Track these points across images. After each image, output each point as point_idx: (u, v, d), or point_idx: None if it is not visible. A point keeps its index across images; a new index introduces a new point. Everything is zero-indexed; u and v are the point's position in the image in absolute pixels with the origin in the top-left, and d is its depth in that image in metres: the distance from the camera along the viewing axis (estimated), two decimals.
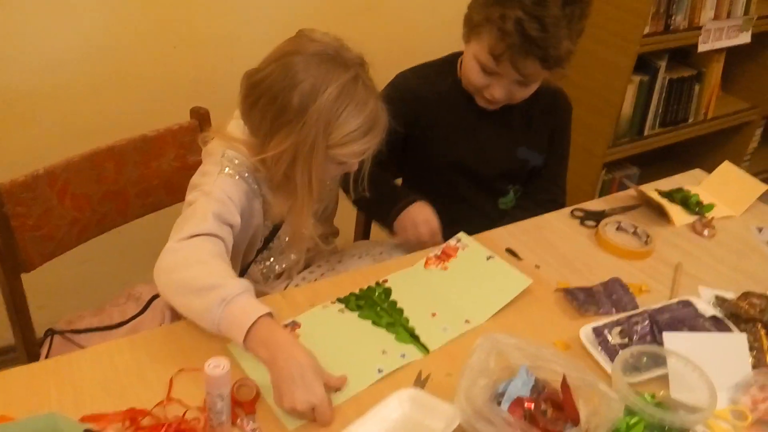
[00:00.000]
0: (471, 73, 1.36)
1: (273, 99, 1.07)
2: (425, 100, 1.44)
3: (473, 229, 1.30)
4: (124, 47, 1.69)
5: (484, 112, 1.43)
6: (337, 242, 1.53)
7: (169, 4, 1.70)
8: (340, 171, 1.19)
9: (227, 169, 1.12)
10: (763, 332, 1.09)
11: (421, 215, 1.36)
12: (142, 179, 1.36)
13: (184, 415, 0.89)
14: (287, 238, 1.29)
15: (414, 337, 1.07)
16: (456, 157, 1.46)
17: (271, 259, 1.31)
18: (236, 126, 1.18)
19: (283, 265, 1.33)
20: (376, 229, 1.61)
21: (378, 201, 1.42)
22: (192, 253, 1.01)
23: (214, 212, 1.05)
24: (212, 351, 0.99)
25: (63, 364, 0.97)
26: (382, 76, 1.48)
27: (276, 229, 1.27)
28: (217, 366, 0.83)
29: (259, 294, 1.29)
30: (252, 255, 1.27)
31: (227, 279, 0.97)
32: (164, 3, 1.70)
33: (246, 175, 1.14)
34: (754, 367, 1.03)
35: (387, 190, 1.45)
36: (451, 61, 1.47)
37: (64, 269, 1.70)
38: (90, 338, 1.28)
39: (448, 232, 1.31)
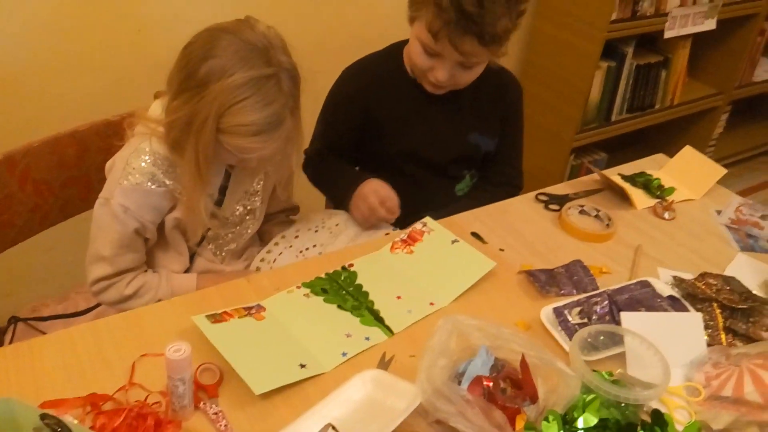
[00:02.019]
0: (415, 55, 1.35)
1: (187, 63, 1.08)
2: (373, 90, 1.43)
3: (433, 216, 1.30)
4: (86, 30, 1.66)
5: (432, 98, 1.43)
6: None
7: None
8: (234, 160, 1.17)
9: (129, 176, 1.14)
10: (718, 311, 1.12)
11: (368, 186, 1.36)
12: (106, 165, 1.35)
13: (146, 399, 0.89)
14: (229, 216, 1.28)
15: (379, 320, 1.08)
16: (409, 144, 1.47)
17: (221, 240, 1.31)
18: (159, 105, 1.17)
19: (234, 246, 1.32)
20: None
21: (335, 186, 1.44)
22: (115, 297, 1.19)
23: (112, 241, 1.16)
24: (174, 336, 0.99)
25: (23, 351, 0.96)
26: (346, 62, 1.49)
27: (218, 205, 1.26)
28: (177, 350, 0.83)
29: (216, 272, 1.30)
30: (198, 235, 1.26)
31: (160, 289, 1.21)
32: None
33: (158, 175, 1.14)
34: (709, 345, 1.06)
35: (341, 175, 1.46)
36: (395, 50, 1.47)
37: (29, 257, 1.69)
38: (54, 325, 1.27)
39: (409, 221, 1.32)
